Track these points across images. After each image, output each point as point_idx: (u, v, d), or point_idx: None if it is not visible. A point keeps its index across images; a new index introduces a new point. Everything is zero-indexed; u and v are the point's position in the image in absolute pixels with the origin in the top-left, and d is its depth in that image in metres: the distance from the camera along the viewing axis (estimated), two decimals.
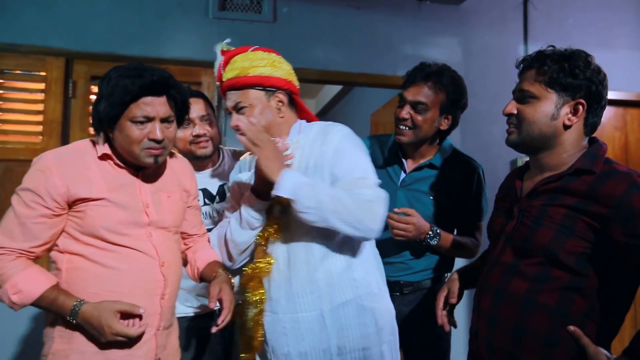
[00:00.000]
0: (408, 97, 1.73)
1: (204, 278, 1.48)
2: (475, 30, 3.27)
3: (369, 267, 1.49)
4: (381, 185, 1.42)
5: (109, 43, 2.77)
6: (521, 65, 1.30)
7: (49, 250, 1.30)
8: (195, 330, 1.69)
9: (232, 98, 1.46)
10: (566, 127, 1.23)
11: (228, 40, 1.52)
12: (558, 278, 1.18)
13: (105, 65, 2.80)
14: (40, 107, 2.68)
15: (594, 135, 1.29)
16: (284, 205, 1.39)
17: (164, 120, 1.29)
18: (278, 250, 1.44)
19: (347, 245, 1.44)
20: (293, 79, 1.54)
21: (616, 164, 1.20)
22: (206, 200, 1.78)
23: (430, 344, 1.79)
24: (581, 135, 1.25)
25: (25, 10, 2.67)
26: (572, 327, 1.15)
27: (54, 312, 1.24)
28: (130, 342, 1.26)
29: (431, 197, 1.74)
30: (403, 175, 1.81)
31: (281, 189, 1.29)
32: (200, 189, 1.73)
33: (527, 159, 1.36)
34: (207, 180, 1.79)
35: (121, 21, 2.78)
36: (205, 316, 1.72)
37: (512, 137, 1.30)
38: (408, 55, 3.16)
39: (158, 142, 1.28)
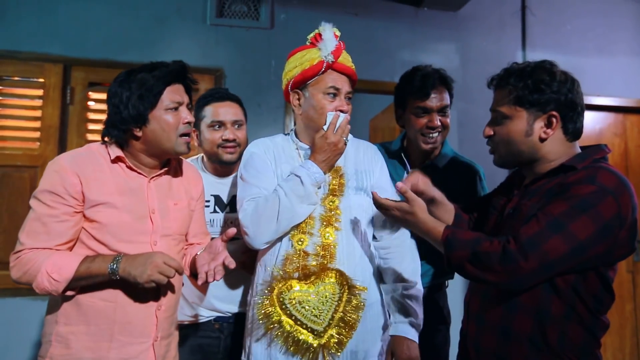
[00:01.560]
0: (433, 105, 1.75)
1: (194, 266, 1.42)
2: (473, 37, 3.28)
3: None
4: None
5: (107, 50, 2.78)
6: (491, 86, 1.32)
7: (71, 249, 1.29)
8: (189, 338, 1.67)
9: (348, 85, 1.50)
10: (542, 140, 1.23)
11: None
12: None
13: (103, 72, 2.84)
14: (38, 113, 2.69)
15: (593, 143, 1.29)
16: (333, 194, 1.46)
17: (188, 106, 1.37)
18: (319, 241, 1.42)
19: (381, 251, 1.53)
20: None
21: (604, 164, 1.19)
22: (217, 208, 1.73)
23: (428, 355, 1.77)
24: (564, 143, 1.24)
25: (24, 17, 2.68)
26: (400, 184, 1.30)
27: (93, 276, 1.22)
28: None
29: None
30: (405, 175, 1.81)
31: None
32: (213, 195, 1.71)
33: None
34: (222, 188, 1.75)
35: (119, 28, 2.80)
36: (200, 325, 1.69)
37: (495, 159, 1.32)
38: (406, 61, 3.15)
39: (190, 123, 1.36)
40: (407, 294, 1.46)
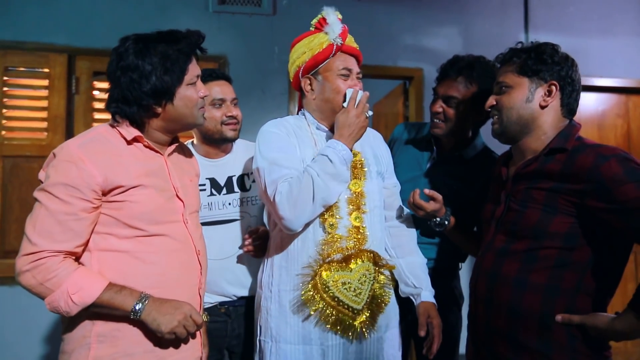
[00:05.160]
0: (440, 91, 1.77)
1: None
2: (476, 19, 3.27)
3: None
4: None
5: (110, 39, 2.70)
6: (497, 65, 1.41)
7: (84, 249, 1.17)
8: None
9: (357, 66, 1.53)
10: (542, 108, 1.30)
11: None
12: (547, 257, 1.22)
13: (107, 61, 2.82)
14: (44, 103, 2.72)
15: (579, 122, 1.35)
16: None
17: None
18: (350, 224, 1.45)
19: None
20: None
21: (586, 140, 1.26)
22: (213, 191, 1.74)
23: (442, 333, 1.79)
24: (559, 117, 1.32)
25: (28, 7, 2.69)
26: (559, 317, 1.19)
27: (113, 308, 1.13)
28: (178, 340, 1.21)
29: (454, 188, 1.73)
30: (430, 163, 1.82)
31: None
32: (208, 178, 1.73)
33: None
34: (216, 170, 1.76)
35: (122, 17, 2.80)
36: (205, 310, 1.63)
37: (495, 127, 1.39)
38: (408, 45, 3.16)
39: (205, 97, 1.30)
40: (422, 267, 1.59)
